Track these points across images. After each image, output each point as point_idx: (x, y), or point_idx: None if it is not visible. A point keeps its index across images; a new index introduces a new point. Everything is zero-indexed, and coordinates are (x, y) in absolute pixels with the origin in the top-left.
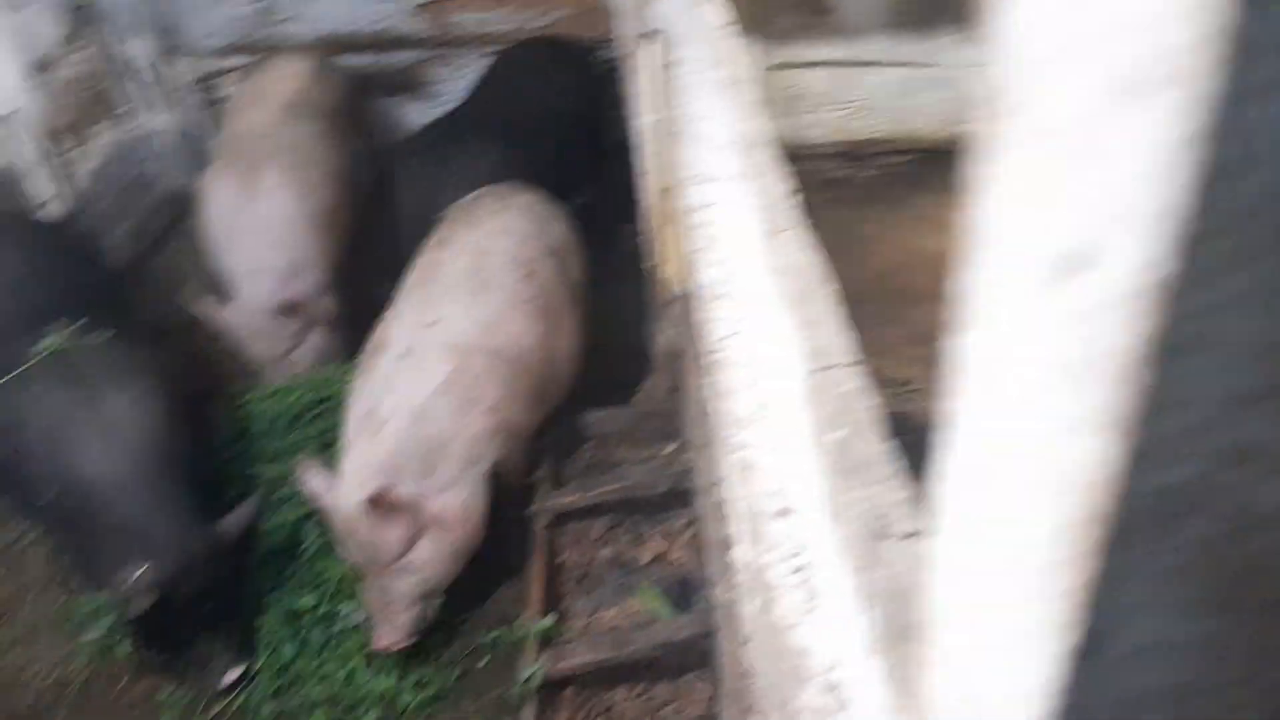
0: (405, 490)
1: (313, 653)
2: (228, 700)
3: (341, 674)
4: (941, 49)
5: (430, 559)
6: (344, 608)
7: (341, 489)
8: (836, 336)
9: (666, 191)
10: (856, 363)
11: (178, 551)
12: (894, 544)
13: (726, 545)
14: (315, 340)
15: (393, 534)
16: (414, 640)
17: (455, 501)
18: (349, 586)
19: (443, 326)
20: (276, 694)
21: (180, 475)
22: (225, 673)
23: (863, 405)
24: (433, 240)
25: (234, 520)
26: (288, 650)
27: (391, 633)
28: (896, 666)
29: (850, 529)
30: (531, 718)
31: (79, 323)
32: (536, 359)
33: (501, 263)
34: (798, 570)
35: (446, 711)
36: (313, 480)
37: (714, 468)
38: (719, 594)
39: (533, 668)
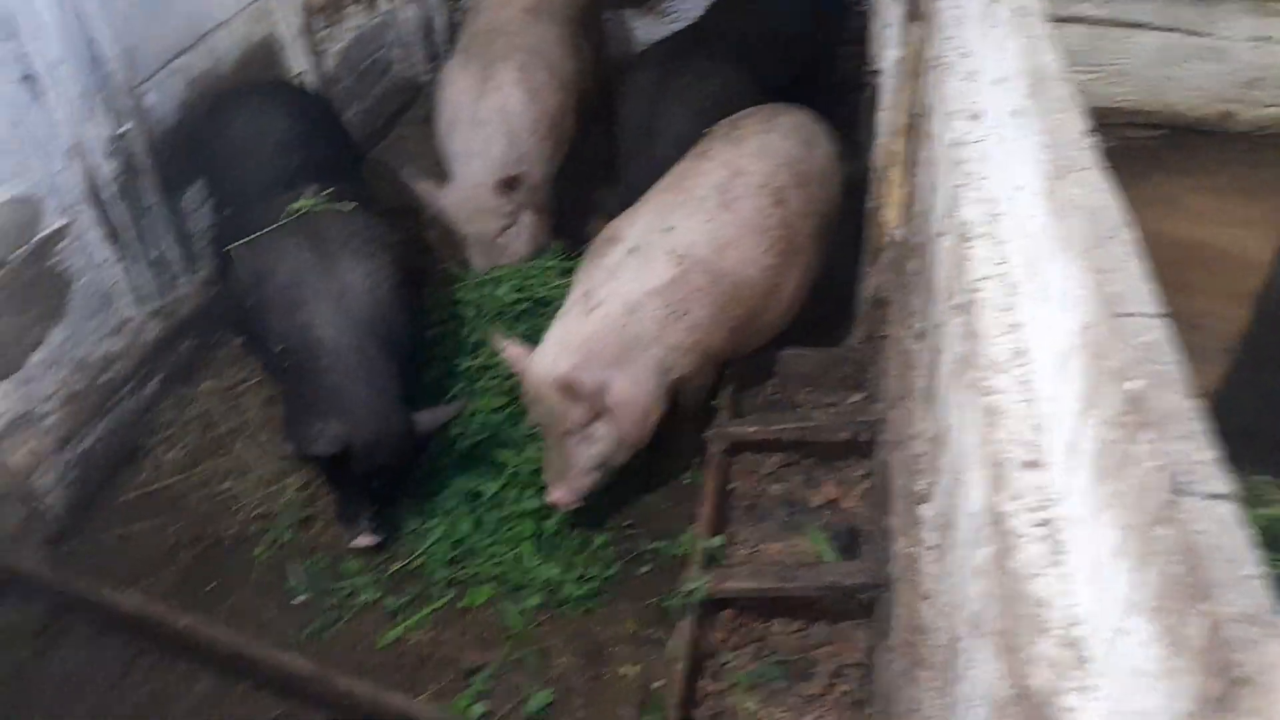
0: (591, 378)
1: (486, 533)
2: (409, 560)
3: (510, 556)
4: (1221, 17)
5: (603, 438)
6: (519, 495)
7: (540, 357)
8: (1137, 283)
9: (900, 132)
10: (1162, 314)
11: (372, 426)
12: (1194, 503)
13: (918, 499)
14: (525, 225)
15: (575, 410)
16: (579, 503)
17: (636, 399)
18: (526, 479)
19: (676, 234)
20: (451, 563)
21: (394, 354)
22: (358, 536)
23: (1166, 357)
24: (695, 149)
25: (431, 417)
26: (464, 527)
27: (563, 492)
28: (1175, 627)
29: (1127, 484)
30: (688, 629)
31: (328, 190)
32: (755, 292)
33: (752, 185)
34: (1043, 523)
35: (604, 609)
36: (512, 348)
37: (911, 421)
38: (901, 547)
39: (697, 582)
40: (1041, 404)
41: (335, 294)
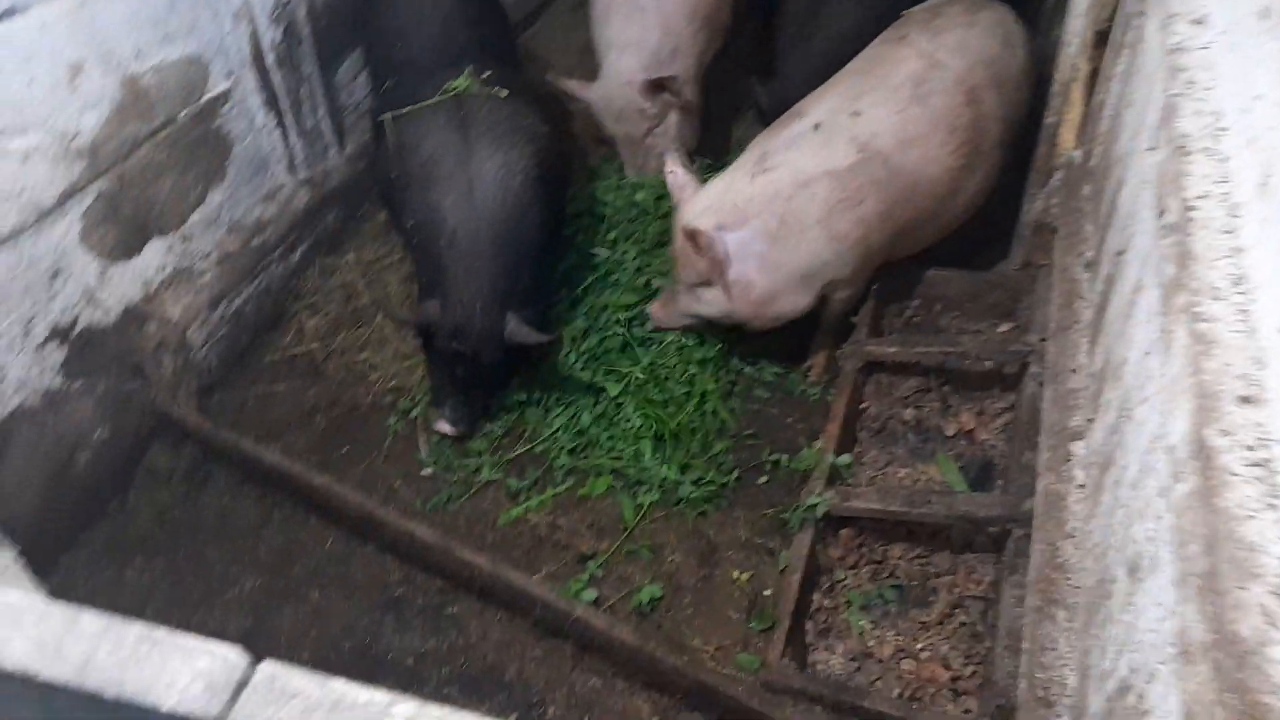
0: (722, 244)
1: (606, 427)
2: (533, 445)
3: (629, 452)
4: None
5: (710, 303)
6: (638, 395)
7: (695, 201)
8: None
9: (1086, 45)
10: None
11: (459, 314)
12: None
13: (1070, 436)
14: (672, 124)
15: (697, 264)
16: (671, 328)
17: (758, 283)
18: (644, 384)
19: (864, 120)
20: (572, 452)
21: (515, 249)
22: (442, 422)
23: None
24: (889, 34)
25: (524, 333)
26: (585, 419)
27: (662, 316)
28: None
29: None
30: (807, 542)
31: (486, 73)
32: (933, 194)
33: (947, 80)
34: (1260, 463)
35: (718, 513)
36: (678, 177)
37: (1072, 354)
38: (1046, 484)
39: (820, 497)
40: (1265, 335)
41: (467, 180)
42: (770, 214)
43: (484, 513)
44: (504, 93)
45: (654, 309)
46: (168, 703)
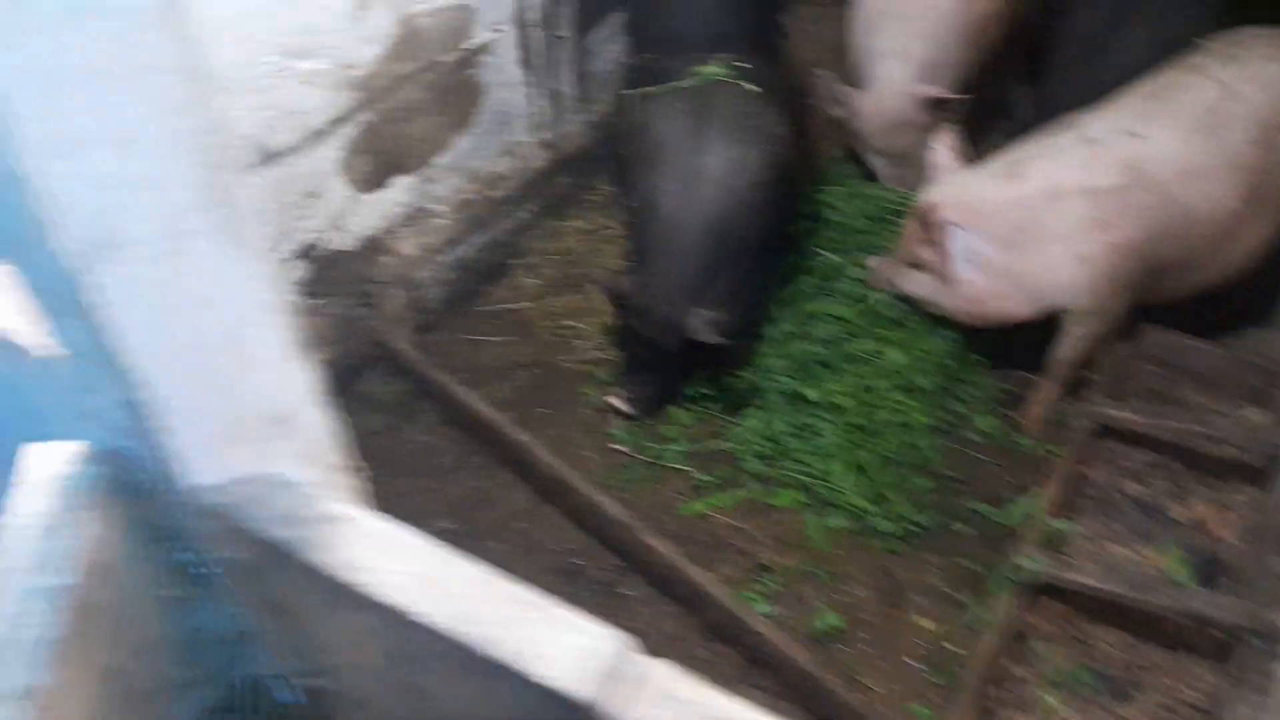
0: (951, 233)
1: (801, 439)
2: (723, 442)
3: (819, 470)
4: None
5: (919, 283)
6: (836, 415)
7: (942, 186)
8: None
9: None
10: None
11: (650, 299)
12: None
13: None
14: (938, 138)
15: (919, 245)
16: (879, 289)
17: (984, 279)
18: (844, 403)
19: (1139, 143)
20: (762, 458)
21: (723, 248)
22: (612, 398)
23: None
24: (1183, 61)
25: (705, 332)
26: (779, 426)
27: (878, 273)
28: None
29: None
30: (1009, 605)
31: (739, 63)
32: (1203, 234)
33: (1243, 116)
34: None
35: (909, 553)
36: (942, 160)
37: None
38: None
39: (1035, 561)
40: None
41: (691, 171)
42: (1006, 220)
43: (666, 500)
44: (751, 88)
45: (872, 262)
46: (538, 672)
